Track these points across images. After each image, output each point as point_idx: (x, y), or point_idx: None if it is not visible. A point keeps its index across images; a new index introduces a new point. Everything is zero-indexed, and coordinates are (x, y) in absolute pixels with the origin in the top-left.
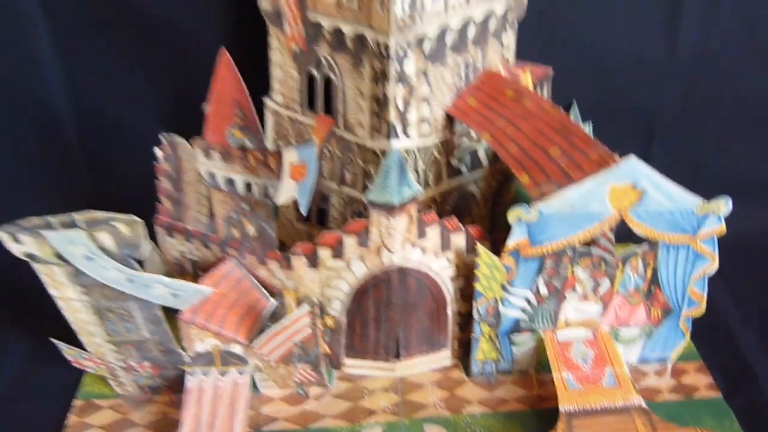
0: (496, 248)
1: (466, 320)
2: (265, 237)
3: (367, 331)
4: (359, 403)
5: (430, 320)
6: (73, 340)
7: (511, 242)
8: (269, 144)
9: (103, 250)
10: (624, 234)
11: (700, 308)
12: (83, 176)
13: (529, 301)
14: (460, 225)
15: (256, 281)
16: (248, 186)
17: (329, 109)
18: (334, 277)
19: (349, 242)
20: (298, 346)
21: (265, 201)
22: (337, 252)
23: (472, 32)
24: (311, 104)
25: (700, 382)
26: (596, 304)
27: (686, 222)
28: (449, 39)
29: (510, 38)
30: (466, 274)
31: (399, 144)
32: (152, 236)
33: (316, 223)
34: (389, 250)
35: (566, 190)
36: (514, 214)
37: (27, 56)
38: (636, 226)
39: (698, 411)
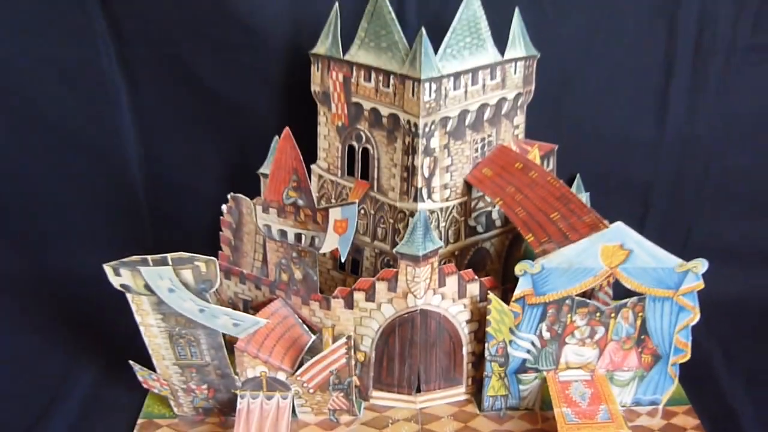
0: (506, 297)
1: (479, 360)
2: (309, 281)
3: (392, 366)
4: (384, 431)
5: (447, 359)
6: (143, 364)
7: (518, 291)
8: (315, 202)
9: (184, 284)
10: (623, 290)
11: (686, 355)
12: (150, 229)
13: (533, 344)
14: (475, 276)
15: (299, 319)
16: (298, 237)
17: (366, 174)
18: (366, 317)
19: (380, 287)
20: (334, 374)
21: (312, 250)
22: (370, 295)
23: (487, 114)
24: (350, 170)
25: (688, 423)
26: (593, 349)
27: (669, 278)
28: (468, 120)
29: (520, 119)
30: (479, 319)
31: (424, 206)
32: None
33: (350, 272)
34: (414, 295)
35: (564, 249)
36: (520, 267)
37: (109, 123)
38: (625, 280)
39: None
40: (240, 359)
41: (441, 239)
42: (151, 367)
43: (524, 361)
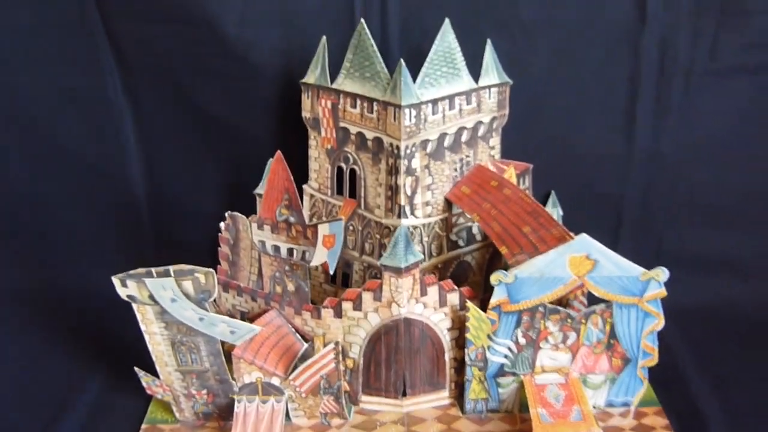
0: (484, 306)
1: (460, 365)
2: (301, 292)
3: (379, 372)
4: None
5: (431, 364)
6: (147, 371)
7: (493, 300)
8: (306, 219)
9: (185, 294)
10: (595, 298)
11: (654, 359)
12: (152, 245)
13: (510, 349)
14: (455, 286)
15: (292, 328)
16: (290, 251)
17: (353, 193)
18: (353, 325)
19: (367, 297)
20: (324, 378)
21: (303, 263)
22: (357, 305)
23: (464, 136)
24: (339, 190)
25: (658, 423)
26: (566, 353)
27: (633, 286)
28: (447, 142)
29: (496, 140)
30: (459, 326)
31: (408, 222)
32: None
33: (341, 285)
34: (398, 305)
35: (535, 259)
36: (495, 277)
37: (114, 147)
38: (593, 289)
39: None
40: (237, 365)
41: (424, 253)
42: (155, 374)
43: (502, 365)
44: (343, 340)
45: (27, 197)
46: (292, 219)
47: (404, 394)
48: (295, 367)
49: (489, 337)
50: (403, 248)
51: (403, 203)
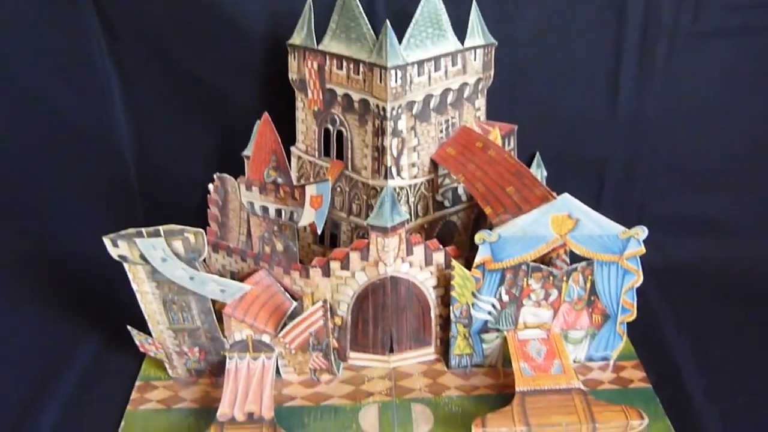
0: (469, 265)
1: (446, 322)
2: (290, 252)
3: (367, 329)
4: (360, 387)
5: (417, 321)
6: (140, 330)
7: (478, 258)
8: (294, 181)
9: (176, 254)
10: (577, 256)
11: (632, 315)
12: (141, 209)
13: (494, 306)
14: (440, 246)
15: (281, 287)
16: (278, 212)
17: (340, 155)
18: (341, 284)
19: (354, 257)
20: (313, 335)
21: (291, 224)
22: (345, 264)
23: (450, 98)
24: (326, 151)
25: (635, 376)
26: (548, 310)
27: (614, 245)
28: (432, 103)
29: (481, 102)
30: (445, 284)
31: (394, 183)
32: None
33: (329, 245)
34: (384, 263)
35: (518, 219)
36: (479, 237)
37: (102, 113)
38: (575, 247)
39: (631, 398)
40: (228, 323)
41: (411, 213)
42: (147, 333)
43: (486, 322)
44: (331, 299)
45: (14, 163)
46: (279, 180)
47: (391, 351)
48: (285, 325)
49: (473, 294)
50: (390, 208)
51: (389, 164)
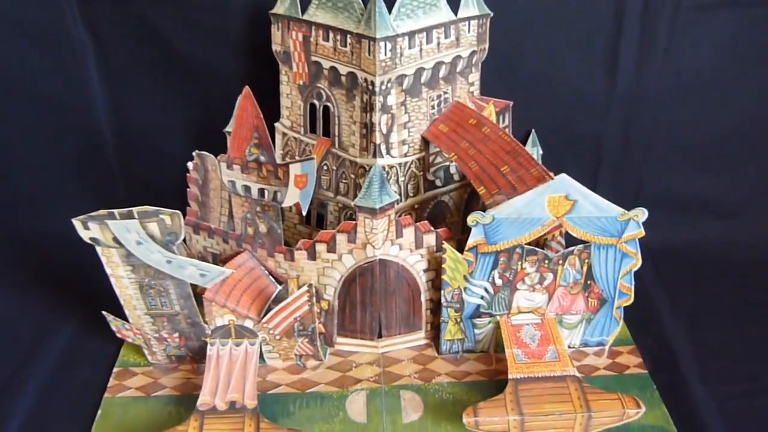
0: (461, 247)
1: (436, 306)
2: (274, 234)
3: (354, 314)
4: (348, 374)
5: (407, 306)
6: (117, 316)
7: (470, 241)
8: (279, 159)
9: (151, 236)
10: (573, 239)
11: (630, 299)
12: (120, 187)
13: (487, 290)
14: (431, 227)
15: (265, 270)
16: (261, 192)
17: (327, 132)
18: (328, 267)
19: (341, 239)
20: (298, 320)
21: (275, 204)
22: (331, 247)
23: (442, 72)
24: (312, 128)
25: (631, 362)
26: (542, 294)
27: (612, 227)
28: (424, 77)
29: (475, 76)
30: (436, 268)
31: (383, 161)
32: None
33: (315, 226)
34: (373, 246)
35: (513, 200)
36: (472, 218)
37: (77, 84)
38: (571, 229)
39: (627, 384)
40: (209, 308)
41: (400, 193)
42: (124, 318)
43: (478, 306)
44: (318, 282)
45: None
46: (262, 158)
47: (380, 336)
48: (269, 310)
49: (465, 278)
50: (378, 188)
51: (378, 142)
